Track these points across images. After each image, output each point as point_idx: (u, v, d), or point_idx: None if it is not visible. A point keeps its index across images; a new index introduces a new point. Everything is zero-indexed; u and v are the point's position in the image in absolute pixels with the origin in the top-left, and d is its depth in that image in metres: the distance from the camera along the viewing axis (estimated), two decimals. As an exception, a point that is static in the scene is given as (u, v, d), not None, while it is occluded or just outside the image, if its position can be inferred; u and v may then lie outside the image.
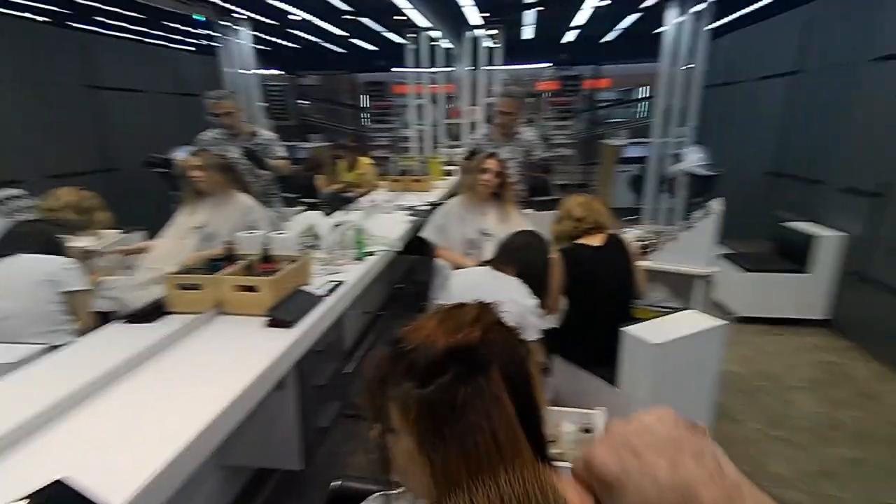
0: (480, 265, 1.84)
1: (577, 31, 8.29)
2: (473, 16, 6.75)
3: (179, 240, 2.32)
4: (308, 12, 6.54)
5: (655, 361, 1.77)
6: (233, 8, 5.80)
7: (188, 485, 1.18)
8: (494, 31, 7.00)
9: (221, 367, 1.25)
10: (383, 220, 3.19)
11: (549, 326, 2.22)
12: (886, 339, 2.84)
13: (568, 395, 2.19)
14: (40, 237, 1.71)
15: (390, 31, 7.11)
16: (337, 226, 2.23)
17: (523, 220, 2.64)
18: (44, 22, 5.24)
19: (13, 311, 1.53)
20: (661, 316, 2.03)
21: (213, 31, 5.90)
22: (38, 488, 0.79)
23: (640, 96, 10.66)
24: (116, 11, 5.44)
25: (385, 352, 0.54)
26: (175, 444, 0.94)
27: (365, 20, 7.00)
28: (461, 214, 2.56)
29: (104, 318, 1.65)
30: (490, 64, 7.12)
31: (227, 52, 5.97)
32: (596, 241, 2.09)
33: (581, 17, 7.00)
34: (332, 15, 6.60)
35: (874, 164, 2.95)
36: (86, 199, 2.09)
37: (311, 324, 1.50)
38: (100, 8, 5.16)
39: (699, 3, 4.92)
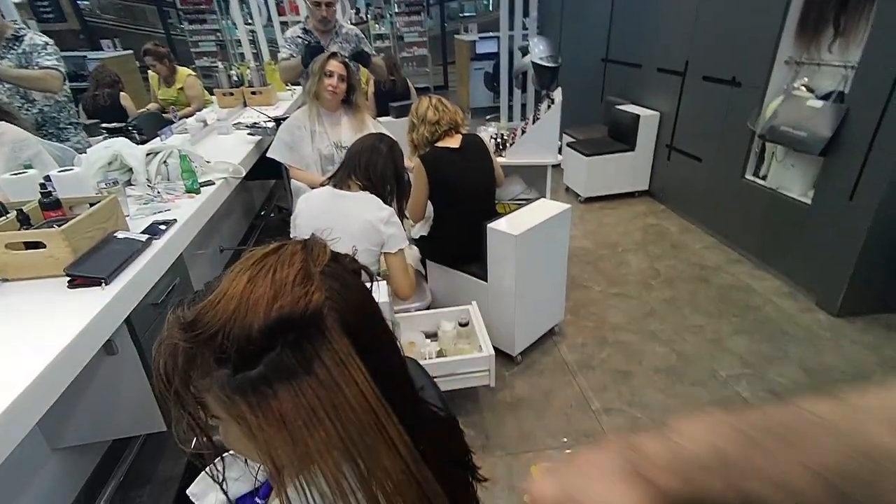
0: (322, 185, 1.68)
1: None
2: None
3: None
4: None
5: (517, 250, 1.90)
6: None
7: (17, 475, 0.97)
8: None
9: (14, 348, 0.99)
10: (220, 142, 2.74)
11: (417, 235, 2.24)
12: (688, 198, 3.47)
13: (444, 296, 2.29)
14: None
15: None
16: (152, 154, 1.83)
17: (380, 129, 2.48)
18: None
19: None
20: (519, 209, 2.15)
21: None
22: None
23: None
24: None
25: (176, 337, 0.41)
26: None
27: None
28: (311, 127, 2.29)
29: None
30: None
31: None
32: (454, 142, 2.05)
33: None
34: None
35: (679, 46, 3.33)
36: None
37: (135, 276, 1.25)
38: None
39: None
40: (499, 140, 2.60)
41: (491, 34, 7.07)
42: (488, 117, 6.24)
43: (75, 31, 7.20)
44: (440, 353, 1.87)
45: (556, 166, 4.33)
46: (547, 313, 2.28)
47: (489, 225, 1.94)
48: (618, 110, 3.89)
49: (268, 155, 2.29)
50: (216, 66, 3.74)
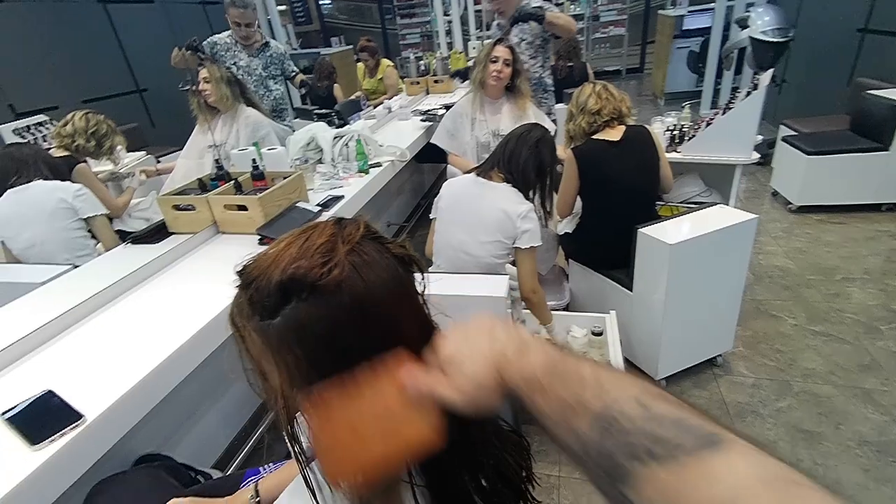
0: (467, 173, 1.71)
1: None
2: None
3: (197, 159, 2.36)
4: None
5: (671, 262, 1.64)
6: None
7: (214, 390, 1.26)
8: None
9: (210, 286, 1.30)
10: (398, 128, 3.04)
11: (562, 231, 2.12)
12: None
13: (584, 300, 2.14)
14: (50, 165, 1.79)
15: None
16: (338, 137, 2.15)
17: (540, 117, 2.40)
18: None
19: (40, 238, 1.66)
20: (689, 213, 1.85)
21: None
22: (32, 396, 0.90)
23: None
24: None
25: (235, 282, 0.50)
26: (162, 355, 1.02)
27: None
28: (472, 115, 2.36)
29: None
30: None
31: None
32: (614, 134, 1.86)
33: None
34: None
35: None
36: (96, 125, 2.12)
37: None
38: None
39: None
40: (675, 133, 2.25)
41: (704, 6, 6.09)
42: (686, 103, 5.45)
43: (317, 31, 8.82)
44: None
45: (764, 164, 3.56)
46: (708, 339, 1.93)
47: (641, 230, 1.72)
48: (871, 96, 2.95)
49: (431, 140, 2.45)
50: (407, 58, 4.13)
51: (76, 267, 1.53)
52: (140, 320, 1.21)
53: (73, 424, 0.86)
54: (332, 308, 0.45)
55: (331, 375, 0.44)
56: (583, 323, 1.85)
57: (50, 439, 0.83)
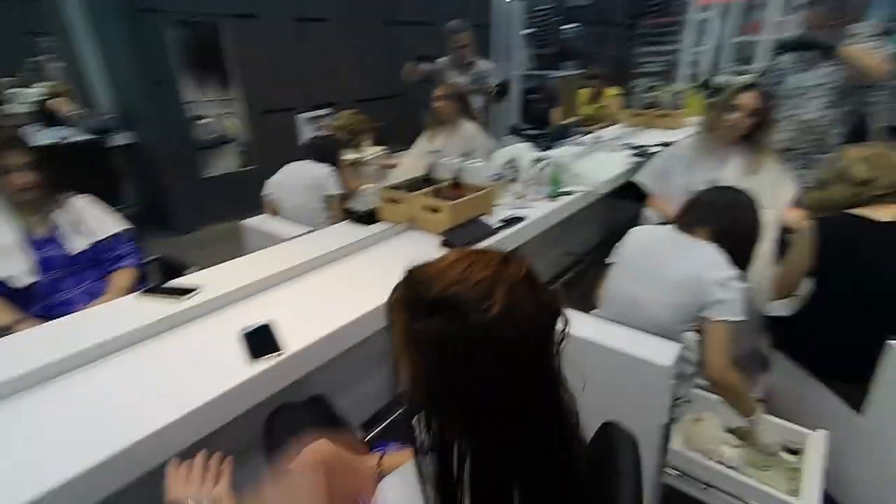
0: (666, 223, 1.54)
1: None
2: None
3: (418, 160, 2.75)
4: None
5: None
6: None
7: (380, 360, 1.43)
8: None
9: (389, 271, 1.50)
10: (604, 159, 2.94)
11: (775, 312, 1.75)
12: None
13: (785, 403, 1.73)
14: (319, 149, 2.32)
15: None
16: (537, 160, 2.21)
17: (780, 178, 2.01)
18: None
19: (296, 203, 2.19)
20: None
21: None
22: (257, 323, 1.21)
23: None
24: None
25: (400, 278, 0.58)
26: (346, 318, 1.26)
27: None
28: (691, 158, 2.13)
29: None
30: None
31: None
32: (885, 214, 1.44)
33: None
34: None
35: None
36: (357, 123, 2.66)
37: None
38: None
39: None
40: None
41: None
42: None
43: (554, 53, 9.08)
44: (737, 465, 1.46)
45: None
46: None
47: (894, 343, 1.29)
48: None
49: (633, 178, 2.30)
50: (634, 88, 3.93)
51: (311, 231, 1.97)
52: (339, 286, 1.49)
53: (277, 353, 1.13)
54: (466, 337, 0.49)
55: (437, 397, 0.49)
56: (775, 430, 1.50)
57: (263, 358, 1.11)
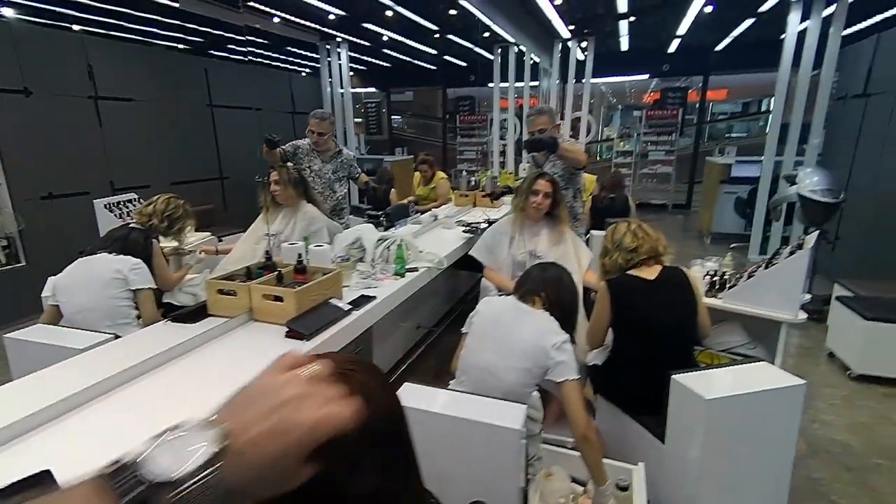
0: (508, 295, 1.73)
1: (681, 41, 7.60)
2: (563, 28, 6.57)
3: (253, 245, 2.55)
4: (400, 34, 6.88)
5: (710, 419, 1.52)
6: (334, 32, 6.34)
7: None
8: (584, 43, 6.74)
9: (229, 374, 1.33)
10: (440, 236, 3.20)
11: (591, 362, 2.04)
12: None
13: (610, 441, 1.97)
14: (121, 240, 1.98)
15: (479, 46, 7.19)
16: (382, 240, 2.28)
17: (577, 244, 2.47)
18: (183, 50, 6.18)
19: (88, 305, 1.78)
20: (731, 363, 1.74)
21: (317, 54, 6.48)
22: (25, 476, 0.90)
23: (763, 109, 9.52)
24: (248, 39, 6.22)
25: None
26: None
27: (454, 37, 7.17)
28: (511, 234, 2.47)
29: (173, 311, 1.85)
30: (581, 76, 6.87)
31: (328, 72, 6.54)
32: (650, 273, 1.87)
33: (686, 26, 6.42)
34: (424, 34, 6.87)
35: None
36: (174, 207, 2.36)
37: (329, 338, 1.54)
38: (233, 38, 5.95)
39: (829, 5, 4.30)
40: (716, 279, 2.21)
41: (752, 158, 6.34)
42: (733, 245, 5.42)
43: (385, 140, 9.84)
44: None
45: (819, 321, 3.36)
46: (752, 514, 1.68)
47: (675, 377, 1.62)
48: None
49: (470, 253, 2.54)
50: (461, 172, 4.47)
51: (117, 337, 1.61)
52: (157, 404, 1.23)
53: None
54: None
55: None
56: (608, 472, 1.68)
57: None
